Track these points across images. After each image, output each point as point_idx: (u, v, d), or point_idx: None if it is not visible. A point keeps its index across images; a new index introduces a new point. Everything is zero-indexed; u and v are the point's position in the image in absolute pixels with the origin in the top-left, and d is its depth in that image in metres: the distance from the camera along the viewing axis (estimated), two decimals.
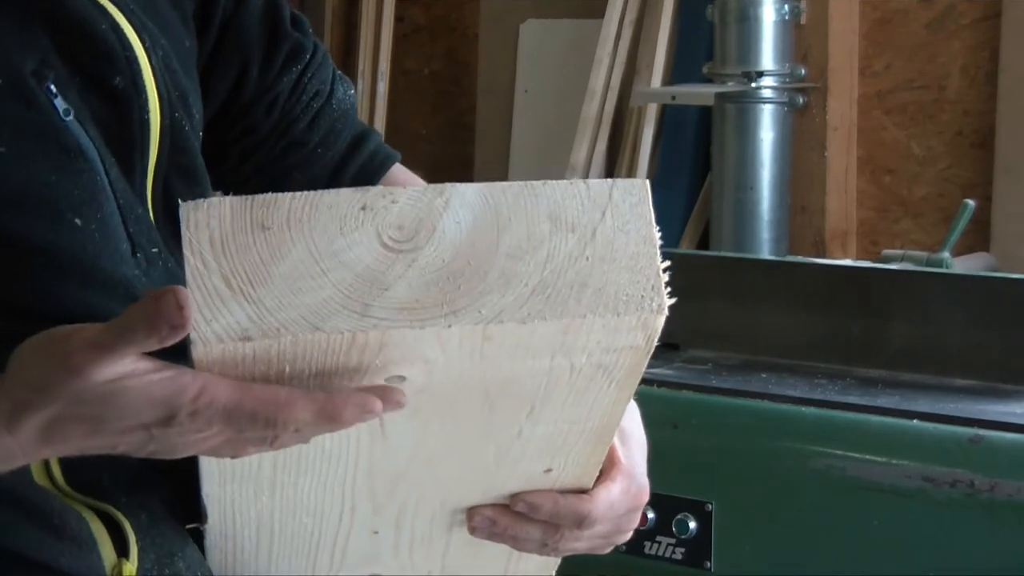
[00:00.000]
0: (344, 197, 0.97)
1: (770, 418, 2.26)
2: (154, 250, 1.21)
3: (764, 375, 2.46)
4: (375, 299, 0.95)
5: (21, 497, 1.11)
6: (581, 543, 1.24)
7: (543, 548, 1.23)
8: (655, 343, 1.03)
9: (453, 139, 4.28)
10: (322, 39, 4.33)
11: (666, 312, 0.99)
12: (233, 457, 1.01)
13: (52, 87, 1.15)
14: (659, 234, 1.01)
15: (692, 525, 2.25)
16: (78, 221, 1.14)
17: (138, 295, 1.12)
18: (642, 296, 1.00)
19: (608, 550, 1.28)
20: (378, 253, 0.96)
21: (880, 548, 2.14)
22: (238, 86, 1.40)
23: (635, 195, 1.01)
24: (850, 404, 2.26)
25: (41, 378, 0.95)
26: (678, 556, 2.27)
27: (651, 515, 2.27)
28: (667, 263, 1.01)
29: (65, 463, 1.14)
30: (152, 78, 1.22)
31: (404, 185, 1.42)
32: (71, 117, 1.15)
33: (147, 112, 1.21)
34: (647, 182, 1.02)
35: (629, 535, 1.28)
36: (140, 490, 1.19)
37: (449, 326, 0.96)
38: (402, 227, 0.97)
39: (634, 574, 2.35)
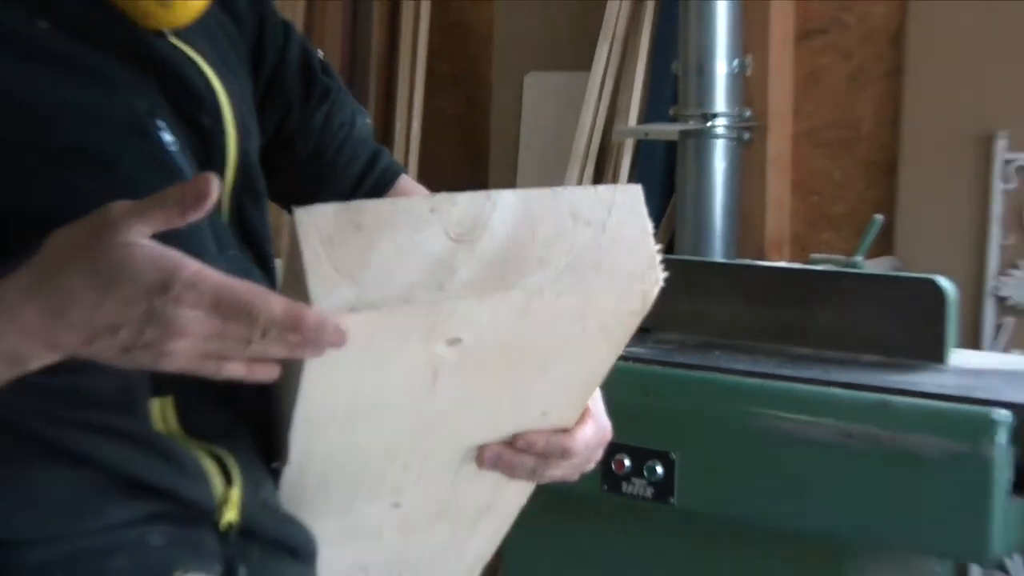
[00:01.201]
0: (417, 202, 1.00)
1: (721, 386, 2.27)
2: (232, 252, 1.22)
3: (717, 353, 2.47)
4: (447, 279, 0.99)
5: (147, 439, 1.12)
6: (560, 470, 1.25)
7: (532, 475, 1.25)
8: (648, 309, 1.06)
9: (471, 166, 4.27)
10: (368, 87, 4.33)
11: (661, 283, 1.04)
12: (214, 375, 0.97)
13: (160, 124, 1.16)
14: (651, 226, 1.06)
15: (659, 470, 2.26)
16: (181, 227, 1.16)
17: None
18: (643, 272, 1.04)
19: (578, 476, 1.29)
20: (446, 244, 0.99)
21: (806, 489, 2.15)
22: (283, 121, 1.42)
23: (633, 196, 1.06)
24: (784, 375, 2.27)
25: (80, 235, 0.94)
26: (648, 494, 2.28)
27: (627, 462, 2.28)
28: (659, 246, 1.06)
29: (180, 415, 1.15)
30: (230, 117, 1.24)
31: (409, 190, 1.47)
32: (175, 148, 1.17)
33: (226, 143, 1.23)
34: (641, 187, 1.07)
35: (594, 464, 1.29)
36: (236, 437, 1.20)
37: (506, 294, 1.00)
38: (462, 223, 1.00)
39: (615, 508, 2.36)
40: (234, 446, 1.18)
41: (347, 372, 1.04)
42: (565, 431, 1.23)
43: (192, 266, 0.93)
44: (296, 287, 0.99)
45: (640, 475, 2.27)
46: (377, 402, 1.10)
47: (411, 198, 1.01)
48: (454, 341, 1.03)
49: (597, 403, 1.28)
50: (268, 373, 1.00)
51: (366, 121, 1.51)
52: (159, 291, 0.92)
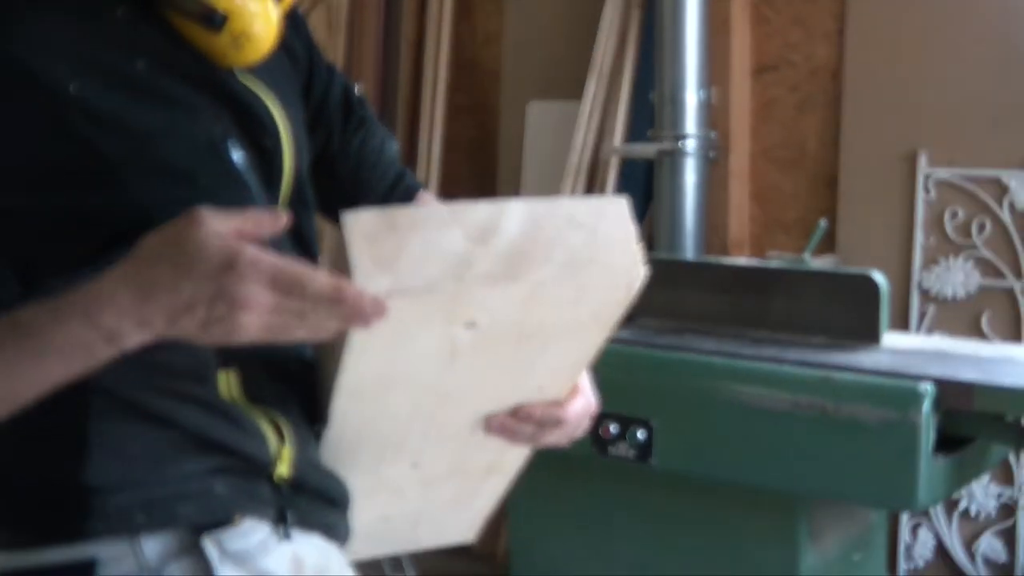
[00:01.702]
0: (440, 209, 1.02)
1: (693, 364, 2.26)
2: (286, 251, 1.21)
3: (688, 336, 2.47)
4: (465, 271, 0.99)
5: (215, 405, 1.13)
6: (554, 437, 1.26)
7: (531, 440, 1.26)
8: (632, 299, 1.07)
9: (483, 181, 4.26)
10: (396, 115, 4.33)
11: (643, 275, 1.05)
12: (275, 340, 0.97)
13: (231, 145, 1.17)
14: (635, 229, 1.06)
15: (641, 435, 2.25)
16: None
17: None
18: (629, 268, 1.05)
19: (569, 442, 1.29)
20: (464, 244, 1.00)
21: (764, 450, 2.14)
22: (327, 145, 1.44)
23: (620, 206, 1.07)
24: (745, 355, 2.26)
25: (168, 230, 0.95)
26: (631, 456, 2.27)
27: (613, 428, 2.28)
28: (642, 244, 1.06)
29: (243, 386, 1.16)
30: (288, 140, 1.24)
31: (429, 203, 1.47)
32: (243, 165, 1.18)
33: (283, 162, 1.24)
34: (626, 197, 1.07)
35: (583, 432, 1.29)
36: (287, 405, 1.20)
37: (516, 284, 1.01)
38: (478, 226, 1.01)
39: (603, 468, 2.35)
40: (286, 411, 1.19)
41: (381, 350, 1.04)
42: (558, 403, 1.24)
43: (250, 248, 0.94)
44: (343, 277, 1.00)
45: (624, 440, 2.27)
46: (404, 377, 1.10)
47: (436, 206, 1.02)
48: (470, 324, 1.04)
49: (585, 380, 1.28)
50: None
51: (394, 146, 1.52)
52: (225, 269, 0.93)
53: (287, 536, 1.17)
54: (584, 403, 1.27)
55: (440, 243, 0.99)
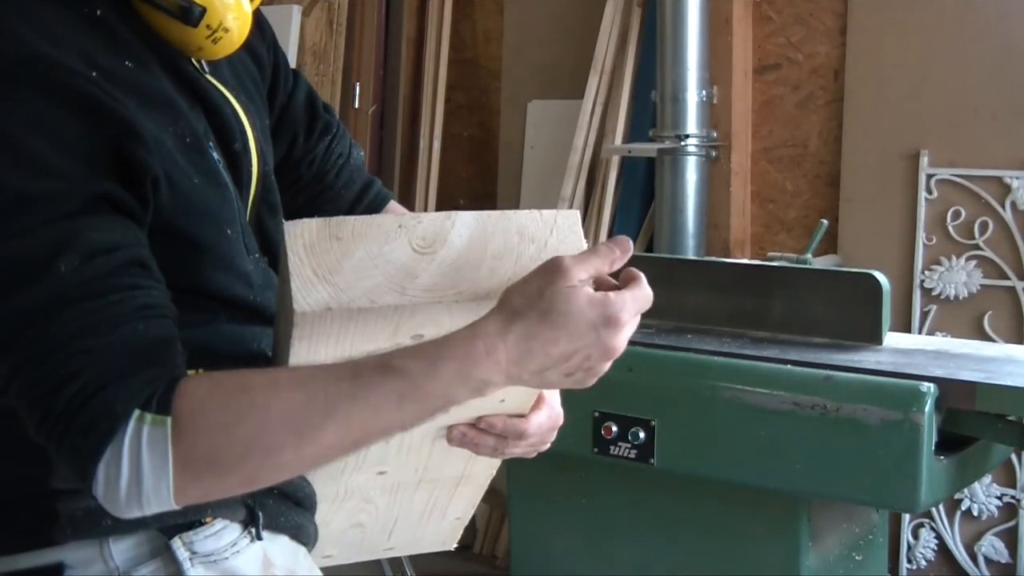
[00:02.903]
0: (388, 219, 1.00)
1: (693, 364, 2.25)
2: (255, 254, 1.22)
3: (689, 336, 2.46)
4: (409, 284, 0.99)
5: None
6: (519, 449, 1.24)
7: (494, 452, 1.24)
8: None
9: (483, 180, 4.27)
10: (397, 114, 4.33)
11: None
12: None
13: (210, 145, 1.17)
14: (586, 244, 1.05)
15: (641, 435, 2.25)
16: (229, 231, 1.16)
17: (253, 283, 1.19)
18: None
19: (535, 454, 1.27)
20: (410, 255, 0.99)
21: (765, 450, 2.14)
22: (290, 150, 1.44)
23: (571, 220, 1.06)
24: (746, 355, 2.26)
25: (534, 284, 0.97)
26: (632, 455, 2.27)
27: (614, 428, 2.27)
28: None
29: None
30: (254, 143, 1.25)
31: (398, 212, 1.47)
32: (221, 165, 1.17)
33: (251, 165, 1.24)
34: (578, 212, 1.07)
35: (549, 445, 1.27)
36: None
37: (456, 301, 1.00)
38: (425, 238, 1.00)
39: (604, 468, 2.35)
40: None
41: (326, 353, 1.03)
42: (522, 416, 1.22)
43: (621, 298, 0.97)
44: (284, 287, 1.00)
45: (625, 439, 2.26)
46: None
47: (384, 215, 1.02)
48: (417, 337, 1.02)
49: (553, 393, 1.25)
50: None
51: (360, 154, 1.52)
52: (604, 325, 0.96)
53: (258, 537, 1.17)
54: (549, 415, 1.24)
55: (384, 254, 0.98)
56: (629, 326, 0.97)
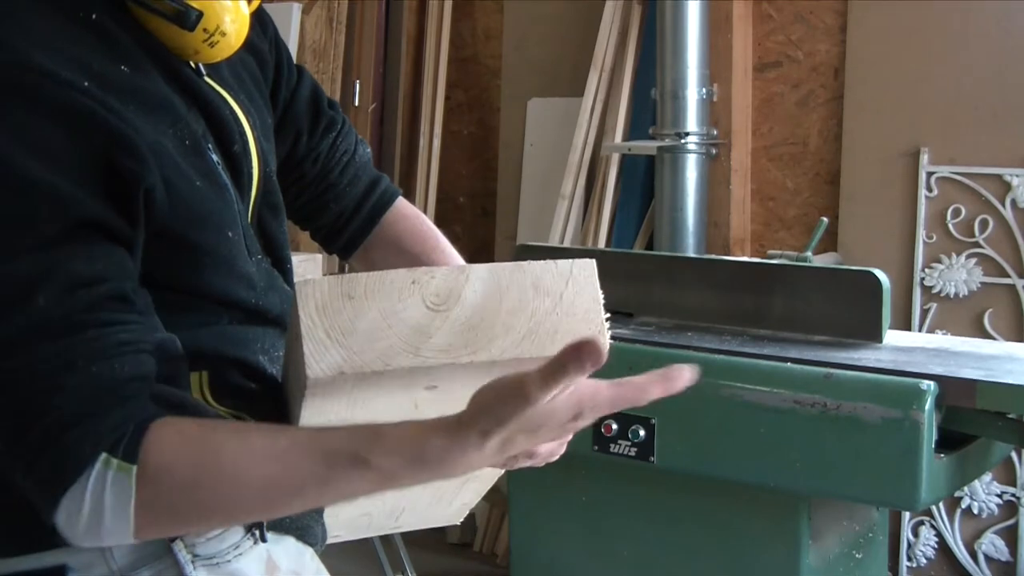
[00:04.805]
0: (401, 275, 0.99)
1: (693, 362, 2.25)
2: (257, 256, 1.21)
3: (689, 333, 2.46)
4: (423, 344, 0.97)
5: (184, 403, 1.09)
6: (527, 464, 1.18)
7: (501, 466, 1.20)
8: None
9: (483, 178, 4.27)
10: (396, 112, 4.33)
11: (607, 345, 0.96)
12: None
13: (209, 146, 1.15)
14: (602, 296, 1.03)
15: (642, 433, 2.25)
16: (230, 234, 1.15)
17: (255, 285, 1.17)
18: (593, 336, 0.98)
19: (543, 464, 1.20)
20: (424, 313, 0.98)
21: (766, 448, 2.14)
22: (294, 147, 1.42)
23: (587, 270, 1.03)
24: (746, 352, 2.26)
25: (500, 406, 0.91)
26: (632, 453, 2.27)
27: (614, 426, 2.27)
28: (608, 315, 1.02)
29: (211, 387, 1.14)
30: (254, 144, 1.23)
31: (405, 211, 1.45)
32: (220, 167, 1.16)
33: (251, 166, 1.22)
34: (593, 262, 1.03)
35: (557, 457, 1.20)
36: (259, 404, 1.18)
37: (471, 361, 0.98)
38: (439, 294, 0.98)
39: (604, 465, 2.35)
40: (254, 410, 1.17)
41: (339, 410, 1.03)
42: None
43: (588, 395, 0.92)
44: (295, 346, 0.98)
45: (625, 437, 2.27)
46: (368, 417, 1.08)
47: (396, 270, 0.99)
48: (431, 388, 1.02)
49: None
50: None
51: (367, 151, 1.50)
52: (572, 420, 0.92)
53: (262, 539, 1.16)
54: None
55: (398, 312, 0.96)
56: (597, 415, 0.94)
